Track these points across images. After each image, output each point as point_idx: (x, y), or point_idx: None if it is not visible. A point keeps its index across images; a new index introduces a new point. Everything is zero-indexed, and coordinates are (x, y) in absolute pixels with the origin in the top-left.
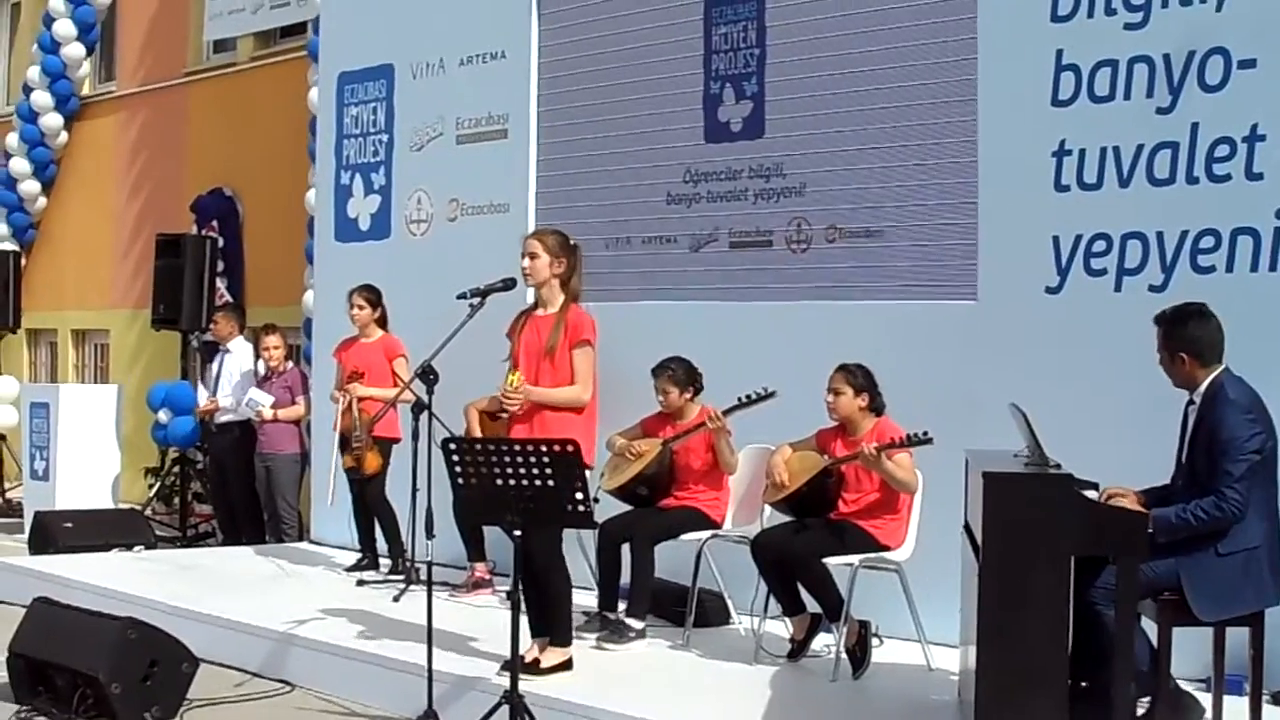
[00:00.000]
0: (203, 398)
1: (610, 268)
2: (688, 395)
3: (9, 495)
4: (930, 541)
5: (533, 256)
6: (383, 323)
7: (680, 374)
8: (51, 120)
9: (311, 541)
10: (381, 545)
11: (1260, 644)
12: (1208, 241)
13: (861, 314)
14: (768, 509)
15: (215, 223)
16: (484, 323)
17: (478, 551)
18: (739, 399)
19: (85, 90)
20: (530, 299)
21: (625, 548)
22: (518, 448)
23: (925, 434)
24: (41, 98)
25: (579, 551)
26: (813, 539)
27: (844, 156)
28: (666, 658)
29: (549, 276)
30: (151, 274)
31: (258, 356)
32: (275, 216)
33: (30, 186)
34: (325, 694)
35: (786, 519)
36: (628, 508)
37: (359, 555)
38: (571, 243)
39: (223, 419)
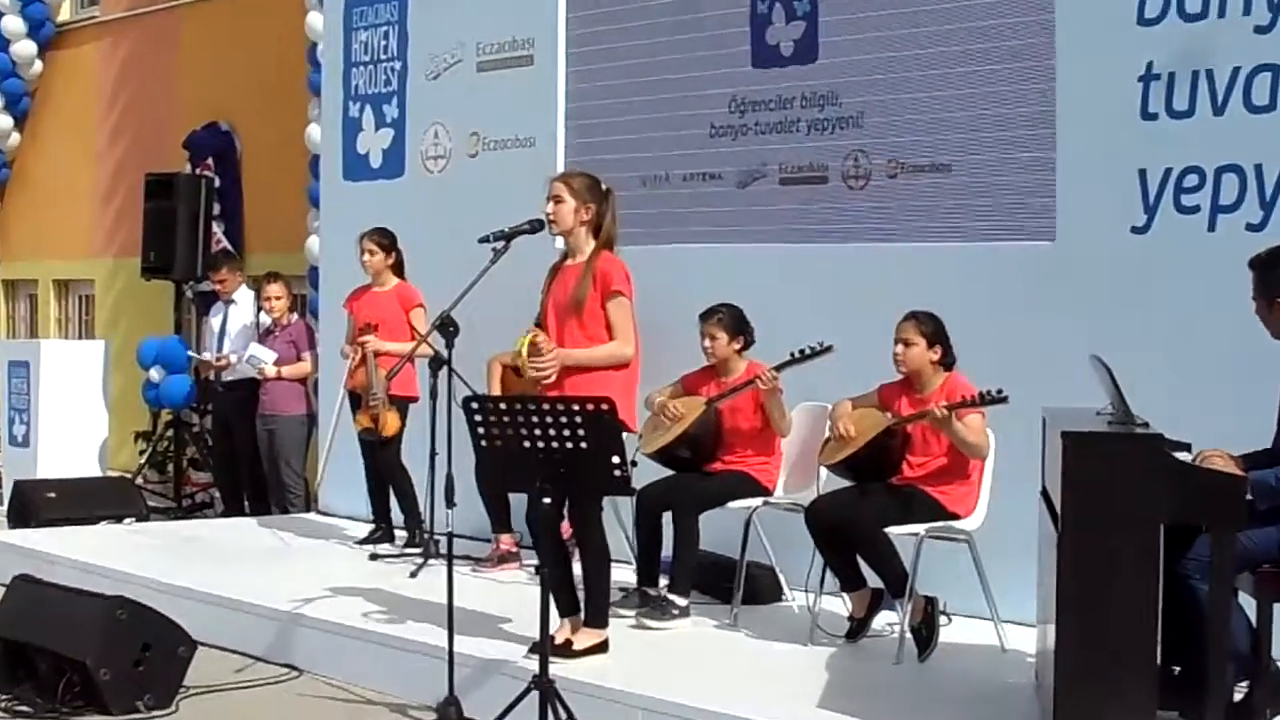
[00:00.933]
0: (208, 353)
1: (647, 208)
2: (736, 346)
3: None
4: (1004, 509)
5: (557, 201)
6: (398, 270)
7: (730, 320)
8: (24, 48)
9: (319, 512)
10: (397, 516)
11: None
12: None
13: (926, 257)
14: (824, 473)
15: (211, 161)
16: (509, 269)
17: (503, 522)
18: (791, 354)
19: (63, 15)
20: (558, 245)
21: (666, 517)
22: (547, 407)
23: (999, 392)
24: (13, 23)
25: (615, 521)
26: (874, 506)
27: (906, 83)
28: (713, 638)
29: (575, 224)
30: (140, 218)
31: (259, 308)
32: (277, 153)
33: (1, 121)
34: (335, 680)
35: (845, 484)
36: (669, 473)
37: (372, 527)
38: (603, 187)
39: (230, 377)
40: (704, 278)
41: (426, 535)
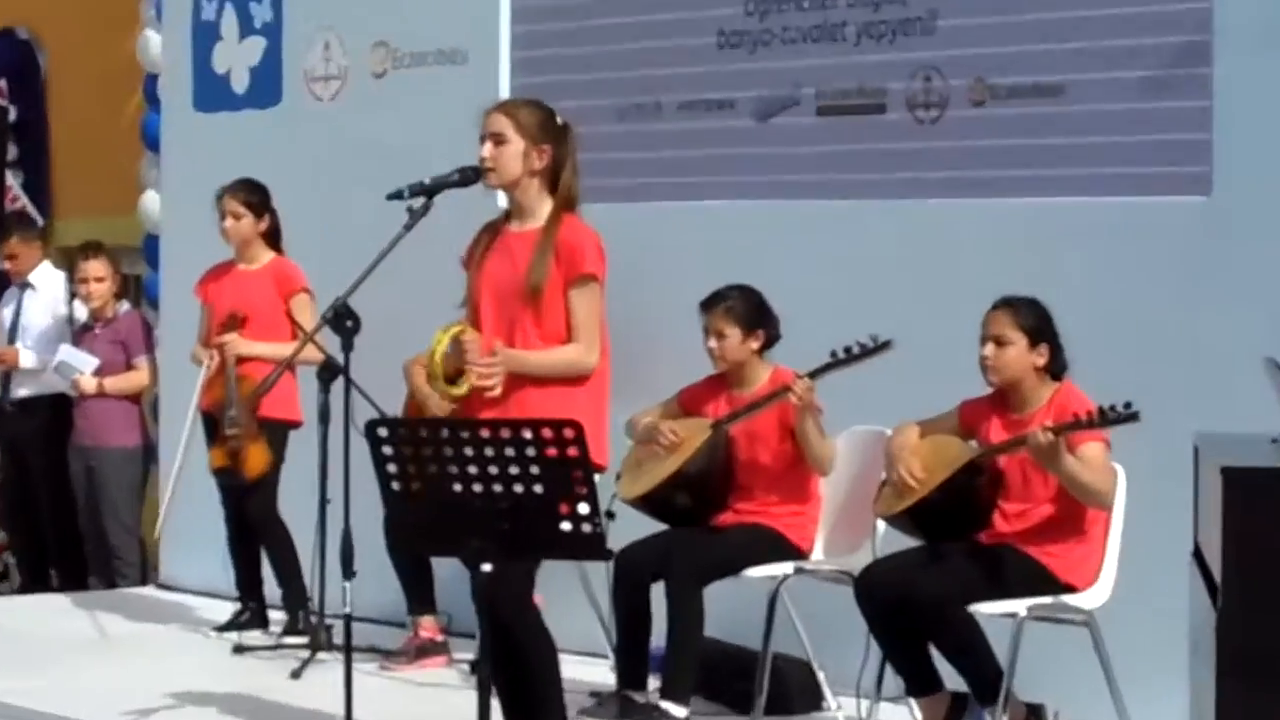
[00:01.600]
0: None
1: (626, 151)
2: (754, 345)
3: None
4: (1138, 577)
5: (496, 140)
6: (272, 240)
7: (743, 309)
8: None
9: (160, 585)
10: (271, 590)
11: None
12: None
13: (1024, 218)
14: (881, 528)
15: (3, 84)
16: (432, 237)
17: (423, 599)
18: (834, 354)
19: None
20: (500, 203)
21: (657, 590)
22: (487, 433)
23: (1127, 407)
24: None
25: (582, 595)
26: (953, 575)
27: None
28: None
29: (523, 174)
30: None
31: (72, 295)
32: (99, 73)
33: None
34: None
35: (912, 543)
36: (661, 527)
37: (236, 607)
38: (559, 122)
39: (23, 391)
40: (706, 250)
41: (314, 618)
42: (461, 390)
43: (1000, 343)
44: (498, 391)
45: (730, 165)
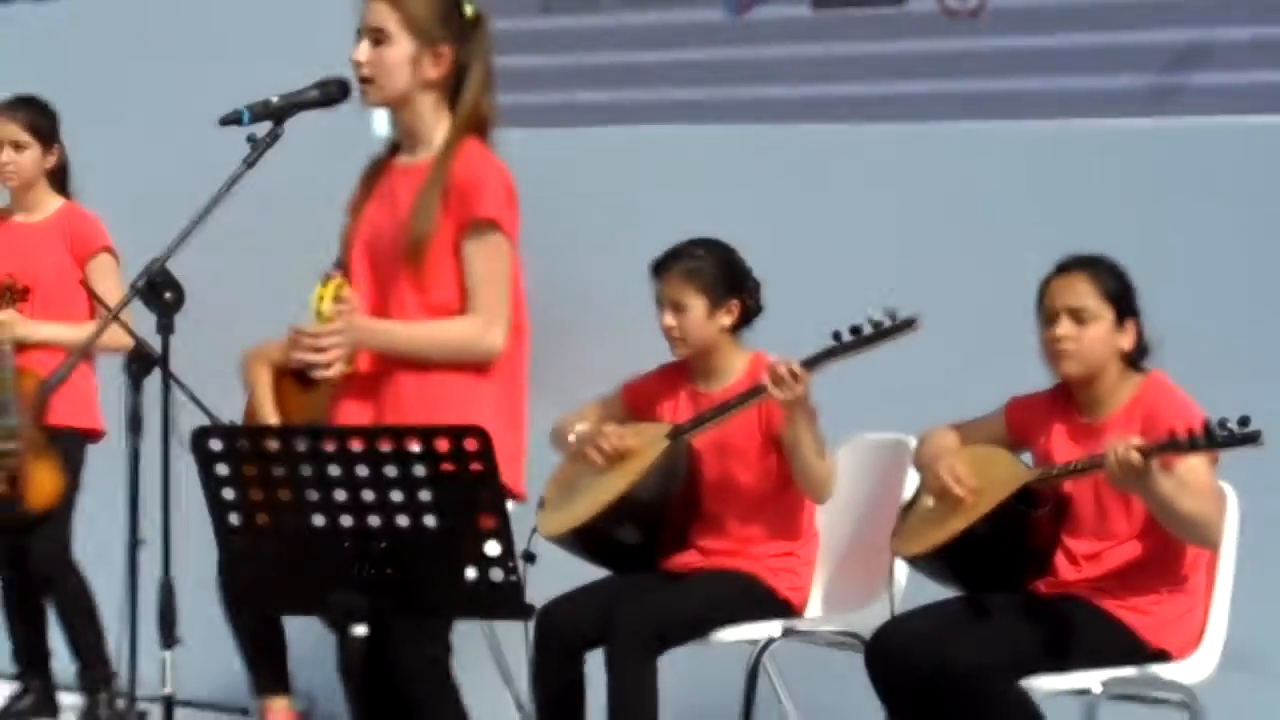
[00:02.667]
0: None
1: (553, 54)
2: (724, 321)
3: None
4: (1254, 640)
5: (375, 38)
6: (59, 181)
7: (710, 272)
8: None
9: None
10: (63, 663)
11: None
12: None
13: (1095, 147)
14: (901, 572)
15: None
16: (284, 175)
17: (273, 676)
18: (836, 336)
19: None
20: (379, 129)
21: (593, 659)
22: (360, 445)
23: (1243, 424)
24: None
25: (491, 666)
26: (1002, 637)
27: None
28: None
29: (412, 86)
30: None
31: None
32: None
33: None
34: None
35: (946, 594)
36: (600, 572)
37: (14, 688)
38: (468, 12)
39: None
40: (660, 192)
41: (121, 703)
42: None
43: (1080, 319)
44: (334, 371)
45: (694, 75)
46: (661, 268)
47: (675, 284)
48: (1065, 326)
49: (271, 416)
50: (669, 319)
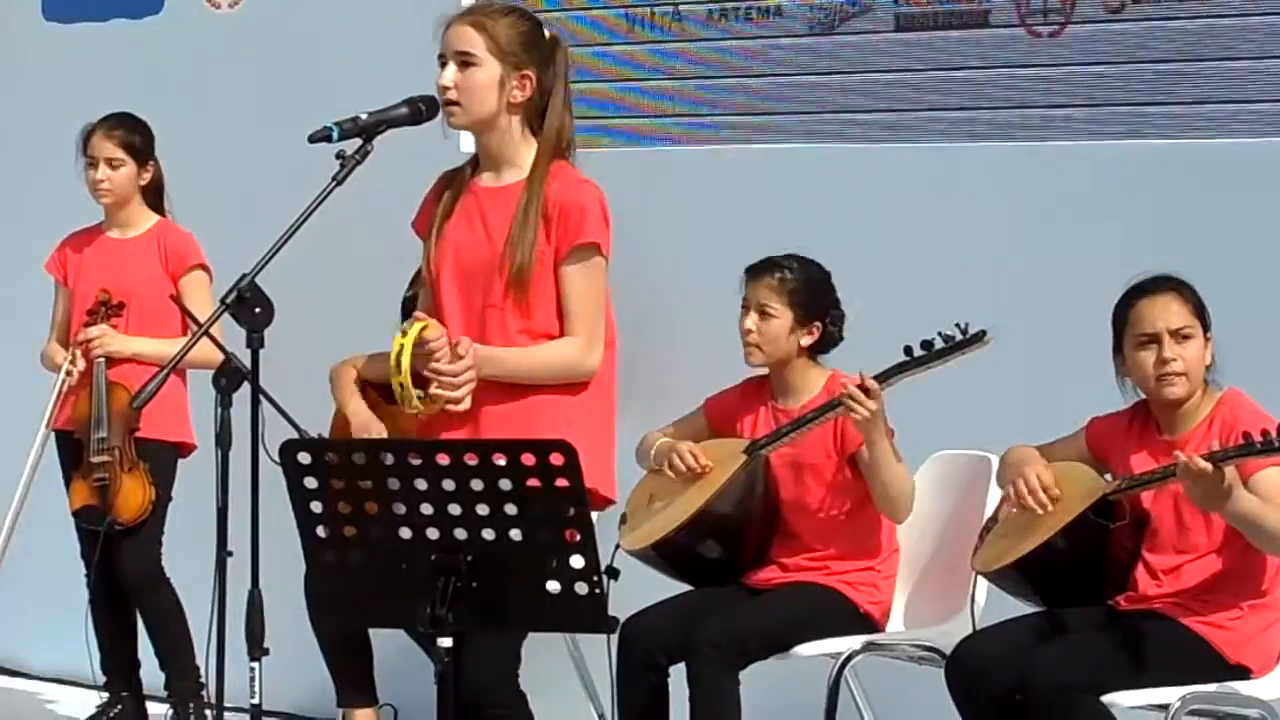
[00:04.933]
0: None
1: (639, 75)
2: (804, 340)
3: None
4: None
5: (462, 63)
6: (155, 198)
7: (801, 286)
8: None
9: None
10: (152, 674)
11: None
12: None
13: (1176, 166)
14: (982, 588)
15: None
16: (372, 193)
17: (359, 687)
18: (908, 351)
19: None
20: (465, 147)
21: (676, 673)
22: (446, 460)
23: None
24: None
25: (575, 679)
26: (1081, 652)
27: None
28: None
29: (499, 109)
30: None
31: None
32: None
33: None
34: None
35: (1026, 609)
36: (682, 587)
37: (103, 698)
38: (548, 36)
39: None
40: (743, 210)
41: (210, 711)
42: (429, 406)
43: (1182, 337)
44: (466, 404)
45: (777, 96)
46: (756, 271)
47: (765, 290)
48: (1172, 349)
49: (363, 412)
50: (750, 321)
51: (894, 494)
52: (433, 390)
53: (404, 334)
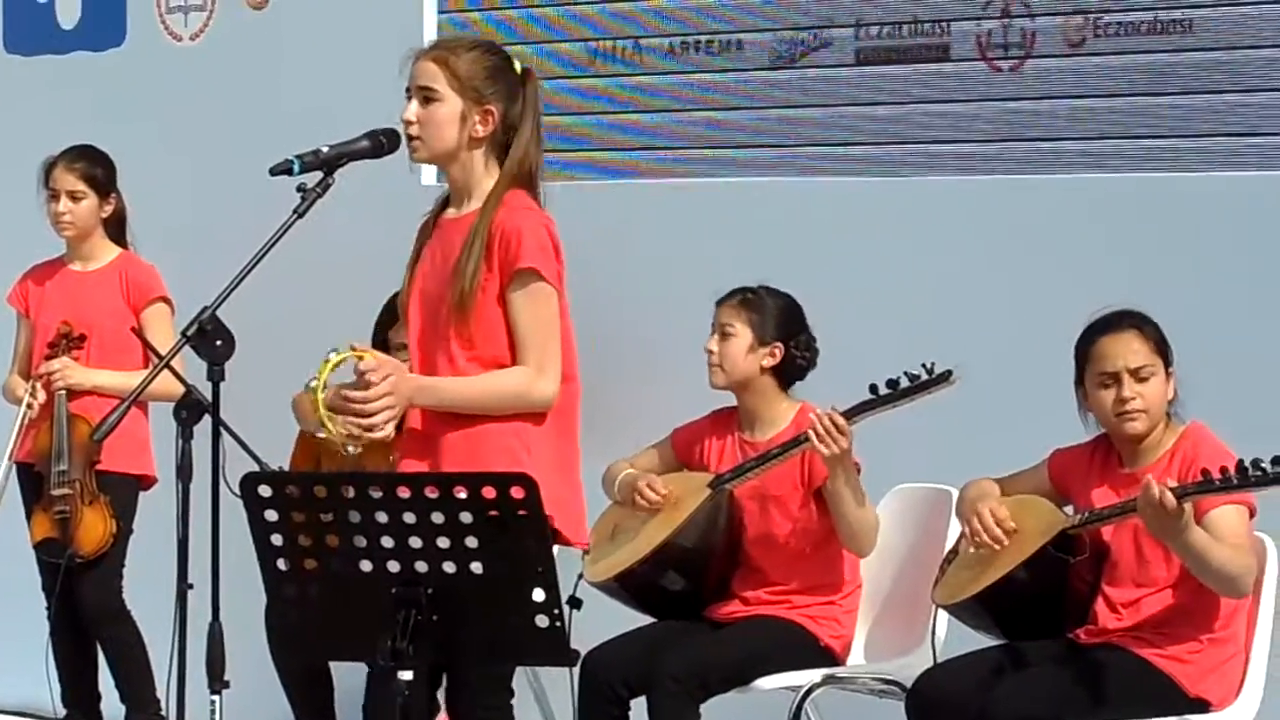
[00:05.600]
0: None
1: (601, 106)
2: (765, 361)
3: None
4: None
5: (426, 99)
6: (117, 230)
7: (766, 309)
8: None
9: None
10: (113, 706)
11: None
12: None
13: (1135, 200)
14: (943, 622)
15: None
16: (333, 225)
17: (318, 718)
18: (873, 389)
19: None
20: (425, 180)
21: (638, 706)
22: (407, 493)
23: (1277, 464)
24: None
25: (534, 709)
26: (1041, 685)
27: None
28: None
29: (461, 143)
30: None
31: None
32: None
33: None
34: None
35: (987, 642)
36: (644, 619)
37: None
38: (518, 69)
39: None
40: (707, 243)
41: None
42: (345, 439)
43: (1141, 376)
44: (386, 434)
45: (737, 129)
46: (726, 297)
47: (728, 311)
48: (1131, 387)
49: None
50: (713, 343)
51: (858, 529)
52: (343, 419)
53: (325, 362)
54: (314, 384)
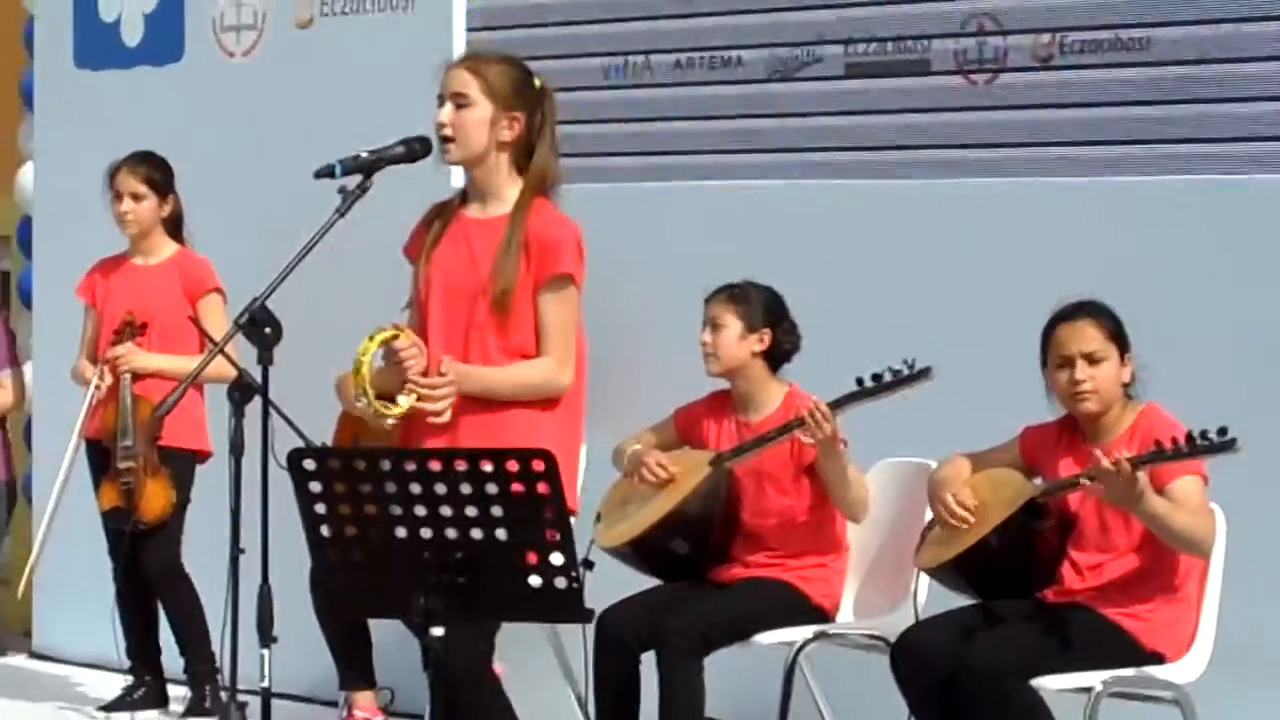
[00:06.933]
0: None
1: (613, 118)
2: (755, 346)
3: None
4: (1241, 644)
5: (459, 104)
6: (174, 228)
7: (751, 300)
8: None
9: (33, 654)
10: (170, 659)
11: None
12: None
13: (1100, 202)
14: (925, 583)
15: None
16: (371, 224)
17: (359, 671)
18: (859, 382)
19: None
20: (454, 182)
21: (647, 660)
22: (439, 466)
23: (1222, 433)
24: None
25: (555, 665)
26: (1013, 640)
27: None
28: None
29: (489, 146)
30: None
31: None
32: None
33: None
34: None
35: (963, 601)
36: (653, 582)
37: (127, 681)
38: (538, 84)
39: None
40: (707, 242)
41: (224, 695)
42: (399, 409)
43: (1093, 360)
44: (446, 417)
45: (736, 138)
46: (712, 294)
47: (717, 305)
48: (1083, 370)
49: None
50: (706, 335)
51: (851, 499)
52: (415, 403)
53: (370, 339)
54: (362, 357)
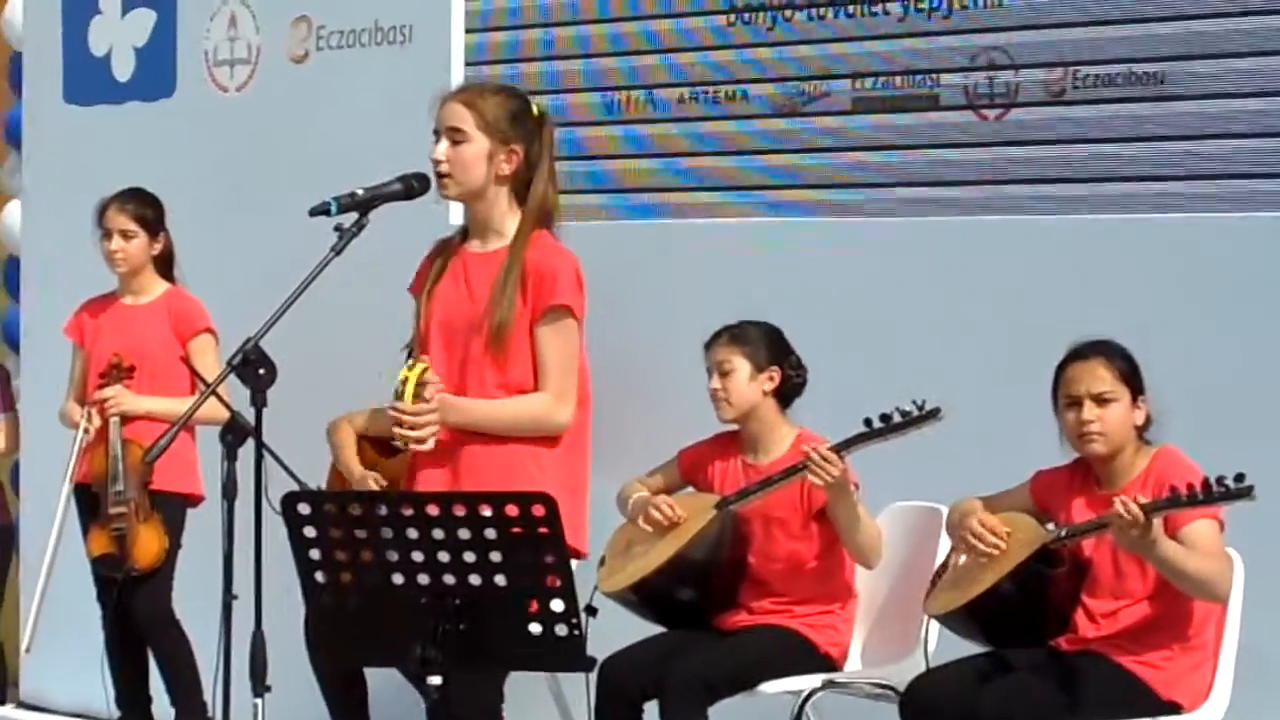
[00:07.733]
0: None
1: (615, 153)
2: (765, 386)
3: None
4: (1261, 693)
5: (456, 140)
6: (165, 266)
7: (754, 339)
8: None
9: (21, 704)
10: (163, 709)
11: None
12: None
13: (1115, 241)
14: (935, 630)
15: None
16: (367, 262)
17: (354, 719)
18: (868, 423)
19: None
20: (454, 220)
21: (650, 710)
22: (436, 510)
23: (1239, 480)
24: None
25: (554, 713)
26: (1024, 690)
27: None
28: None
29: (487, 181)
30: None
31: None
32: None
33: None
34: None
35: (974, 649)
36: (655, 629)
37: None
38: (536, 111)
39: None
40: (712, 279)
41: None
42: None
43: (1102, 402)
44: (428, 446)
45: (741, 174)
46: (712, 339)
47: (722, 349)
48: (1091, 411)
49: (357, 469)
50: (716, 383)
51: (863, 544)
52: (395, 429)
53: (410, 368)
54: (401, 383)
